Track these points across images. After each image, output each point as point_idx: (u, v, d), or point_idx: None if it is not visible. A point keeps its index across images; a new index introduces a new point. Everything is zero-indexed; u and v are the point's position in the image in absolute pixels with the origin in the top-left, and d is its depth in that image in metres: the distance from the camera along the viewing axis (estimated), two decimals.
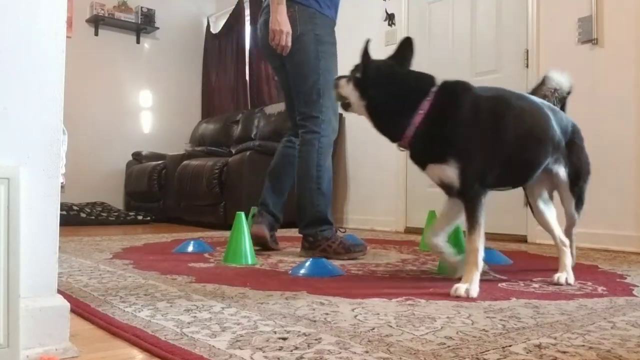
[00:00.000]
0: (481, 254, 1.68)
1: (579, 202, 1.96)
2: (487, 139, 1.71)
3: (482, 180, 1.71)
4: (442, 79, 1.78)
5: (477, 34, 3.95)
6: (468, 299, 1.58)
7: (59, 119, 1.07)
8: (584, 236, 3.16)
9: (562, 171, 1.91)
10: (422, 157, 1.77)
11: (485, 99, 1.76)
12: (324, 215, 2.56)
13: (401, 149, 1.83)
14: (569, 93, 2.09)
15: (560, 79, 2.06)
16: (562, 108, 2.06)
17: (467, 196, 1.70)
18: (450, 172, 1.69)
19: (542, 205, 1.99)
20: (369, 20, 4.57)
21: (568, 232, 2.00)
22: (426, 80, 1.77)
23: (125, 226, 4.76)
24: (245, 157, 4.36)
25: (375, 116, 1.81)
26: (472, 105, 1.72)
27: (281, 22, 2.50)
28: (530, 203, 2.03)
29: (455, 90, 1.76)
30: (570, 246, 1.97)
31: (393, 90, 1.77)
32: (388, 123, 1.79)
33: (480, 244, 1.68)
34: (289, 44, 2.52)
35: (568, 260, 1.91)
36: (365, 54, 1.81)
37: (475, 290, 1.62)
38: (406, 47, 1.84)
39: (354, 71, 1.86)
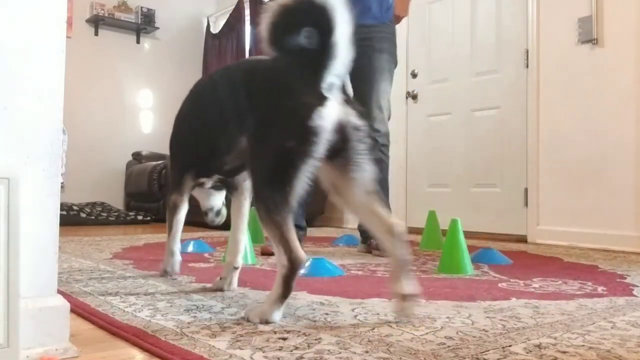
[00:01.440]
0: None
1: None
2: (184, 132, 1.86)
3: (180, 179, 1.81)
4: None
5: (477, 34, 3.95)
6: (469, 298, 1.58)
7: (59, 119, 1.07)
8: (584, 236, 3.16)
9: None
10: None
11: (196, 87, 1.83)
12: None
13: None
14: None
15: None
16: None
17: None
18: None
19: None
20: None
21: None
22: None
23: (125, 226, 4.75)
24: None
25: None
26: (187, 100, 1.85)
27: None
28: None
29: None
30: None
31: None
32: None
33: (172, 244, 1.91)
34: None
35: None
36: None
37: None
38: None
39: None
